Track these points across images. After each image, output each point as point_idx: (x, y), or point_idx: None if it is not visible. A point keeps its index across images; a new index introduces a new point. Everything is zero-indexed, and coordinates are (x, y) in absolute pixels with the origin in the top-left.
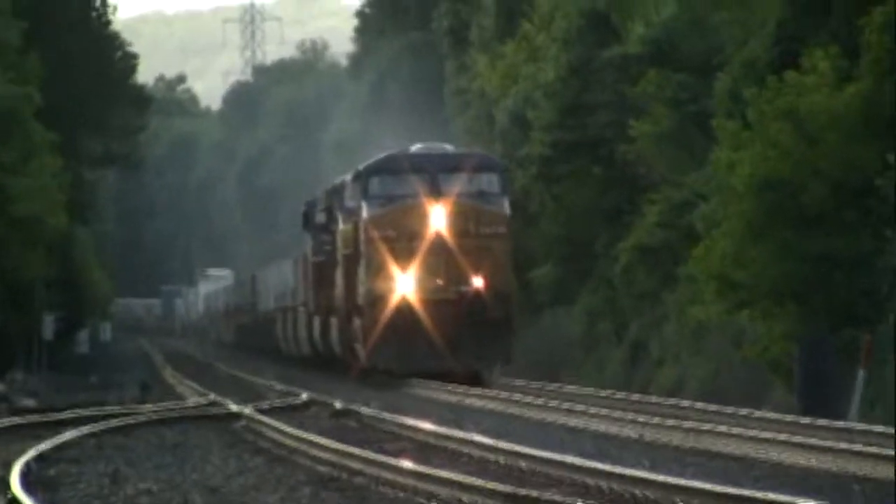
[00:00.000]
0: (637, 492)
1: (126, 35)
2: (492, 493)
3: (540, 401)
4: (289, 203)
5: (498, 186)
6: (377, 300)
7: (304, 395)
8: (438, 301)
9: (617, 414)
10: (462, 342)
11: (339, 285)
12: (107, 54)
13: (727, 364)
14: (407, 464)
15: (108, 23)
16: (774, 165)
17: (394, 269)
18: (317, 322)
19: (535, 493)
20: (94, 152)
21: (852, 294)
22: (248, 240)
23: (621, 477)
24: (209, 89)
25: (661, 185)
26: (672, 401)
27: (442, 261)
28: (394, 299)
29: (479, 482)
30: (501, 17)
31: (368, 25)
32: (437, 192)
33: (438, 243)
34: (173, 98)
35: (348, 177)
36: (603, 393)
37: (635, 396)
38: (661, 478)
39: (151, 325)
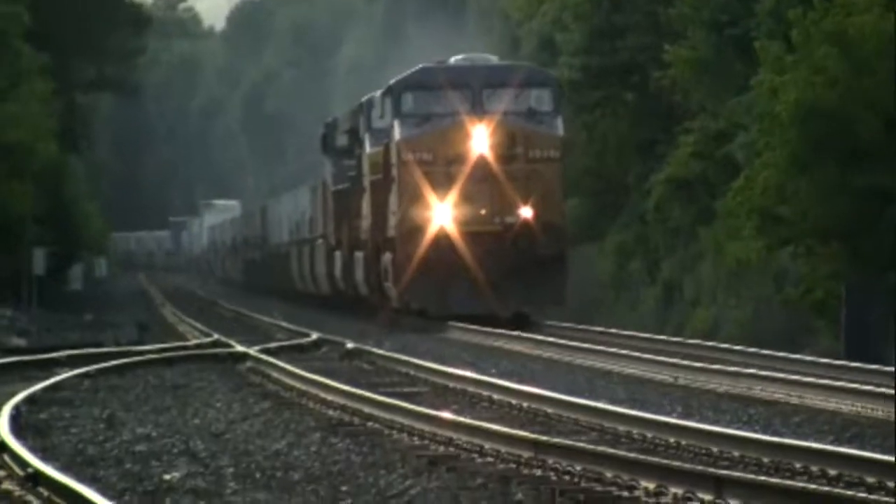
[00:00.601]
0: (671, 439)
1: None
2: (515, 440)
3: (566, 341)
4: (297, 132)
5: (550, 104)
6: (411, 232)
7: (314, 335)
8: (481, 233)
9: (649, 356)
10: (508, 281)
11: (366, 216)
12: None
13: (767, 306)
14: (447, 415)
15: None
16: (821, 93)
17: (431, 196)
18: (338, 257)
19: (561, 440)
20: (88, 76)
21: None
22: (254, 171)
23: (654, 423)
24: (213, 8)
25: (697, 113)
26: (708, 343)
27: (486, 188)
28: (430, 231)
29: (500, 428)
30: None
31: None
32: (480, 110)
33: (481, 168)
34: (174, 18)
35: (377, 94)
36: (637, 334)
37: (667, 338)
38: (695, 424)
39: (161, 260)
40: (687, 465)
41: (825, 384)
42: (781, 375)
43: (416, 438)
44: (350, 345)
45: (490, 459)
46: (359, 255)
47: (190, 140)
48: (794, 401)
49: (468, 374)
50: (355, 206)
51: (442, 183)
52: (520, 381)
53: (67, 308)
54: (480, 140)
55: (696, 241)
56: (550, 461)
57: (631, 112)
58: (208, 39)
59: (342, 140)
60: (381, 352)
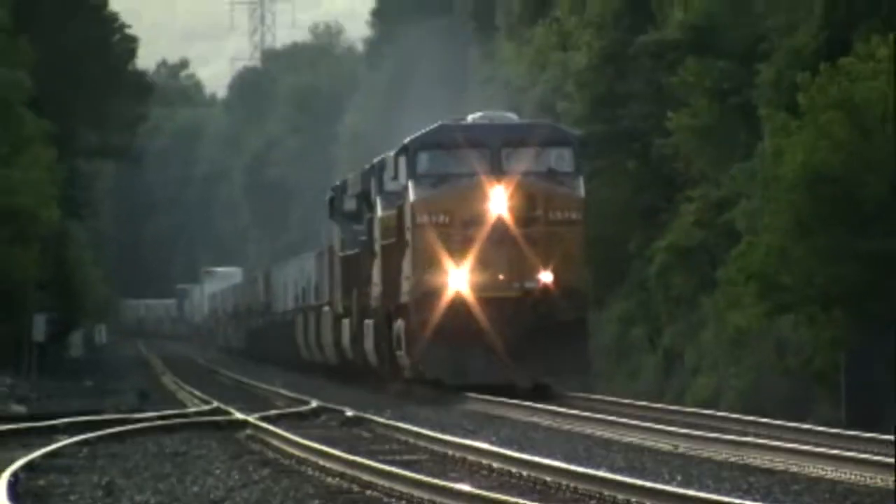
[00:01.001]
0: None
1: (125, 17)
2: None
3: (566, 409)
4: (300, 199)
5: (571, 164)
6: (426, 297)
7: (314, 403)
8: (500, 299)
9: (648, 424)
10: (527, 349)
11: (377, 282)
12: (104, 37)
13: (768, 375)
14: (464, 487)
15: (106, 3)
16: (826, 157)
17: (446, 260)
18: (346, 325)
19: None
20: (91, 144)
21: None
22: (256, 239)
23: (653, 491)
24: (215, 76)
25: (699, 181)
26: (708, 412)
27: (504, 252)
28: (446, 296)
29: (500, 496)
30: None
31: (387, 8)
32: (498, 170)
33: (500, 231)
34: (176, 85)
35: (390, 154)
36: (635, 402)
37: (667, 406)
38: (695, 493)
39: (168, 327)
40: None
41: (825, 453)
42: (781, 444)
43: None
44: (349, 413)
45: None
46: (368, 322)
47: (192, 207)
48: (794, 469)
49: (467, 442)
50: (365, 272)
51: (458, 246)
52: (519, 450)
53: (67, 375)
54: (499, 201)
55: (698, 309)
56: None
57: (633, 179)
58: (210, 107)
59: (350, 204)
60: (380, 420)
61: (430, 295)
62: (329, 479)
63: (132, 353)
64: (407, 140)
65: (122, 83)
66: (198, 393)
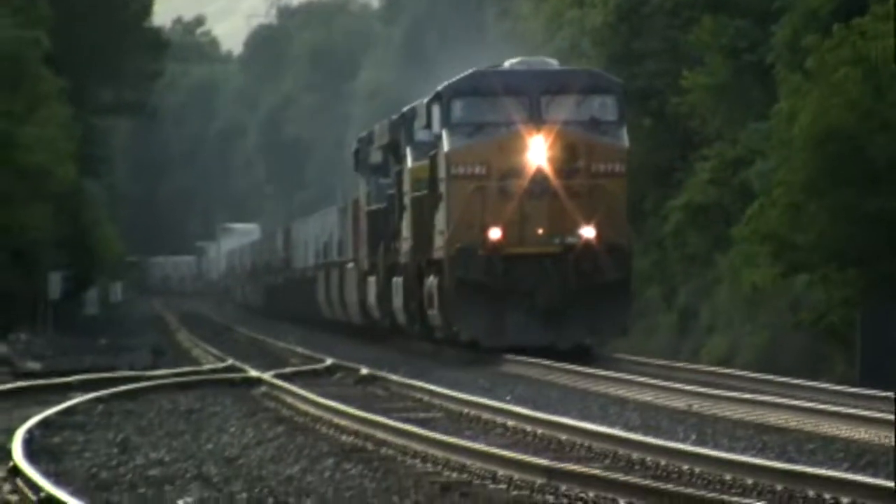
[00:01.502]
0: (685, 466)
1: None
2: (529, 467)
3: (581, 367)
4: (316, 156)
5: (615, 112)
6: (461, 253)
7: (329, 361)
8: (539, 255)
9: (663, 383)
10: (568, 308)
11: (406, 237)
12: None
13: (783, 332)
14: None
15: None
16: (838, 115)
17: (483, 214)
18: (372, 283)
19: (574, 467)
20: (106, 101)
21: None
22: (272, 196)
23: (667, 450)
24: (230, 33)
25: (714, 140)
26: (723, 370)
27: (544, 205)
28: (483, 252)
29: (514, 454)
30: None
31: None
32: (537, 119)
33: (539, 183)
34: (192, 42)
35: (421, 102)
36: (650, 361)
37: (683, 364)
38: (709, 451)
39: (191, 284)
40: (699, 492)
41: (839, 412)
42: (796, 403)
43: (429, 465)
44: (364, 370)
45: (503, 486)
46: (397, 280)
47: (208, 165)
48: (809, 428)
49: (483, 400)
50: (393, 227)
51: (496, 199)
52: (534, 408)
53: (83, 332)
54: (538, 152)
55: (713, 267)
56: (563, 488)
57: (648, 137)
58: (226, 64)
59: (377, 156)
60: (395, 377)
61: (465, 250)
62: (343, 437)
63: (148, 310)
64: (440, 87)
65: (137, 40)
66: (213, 350)
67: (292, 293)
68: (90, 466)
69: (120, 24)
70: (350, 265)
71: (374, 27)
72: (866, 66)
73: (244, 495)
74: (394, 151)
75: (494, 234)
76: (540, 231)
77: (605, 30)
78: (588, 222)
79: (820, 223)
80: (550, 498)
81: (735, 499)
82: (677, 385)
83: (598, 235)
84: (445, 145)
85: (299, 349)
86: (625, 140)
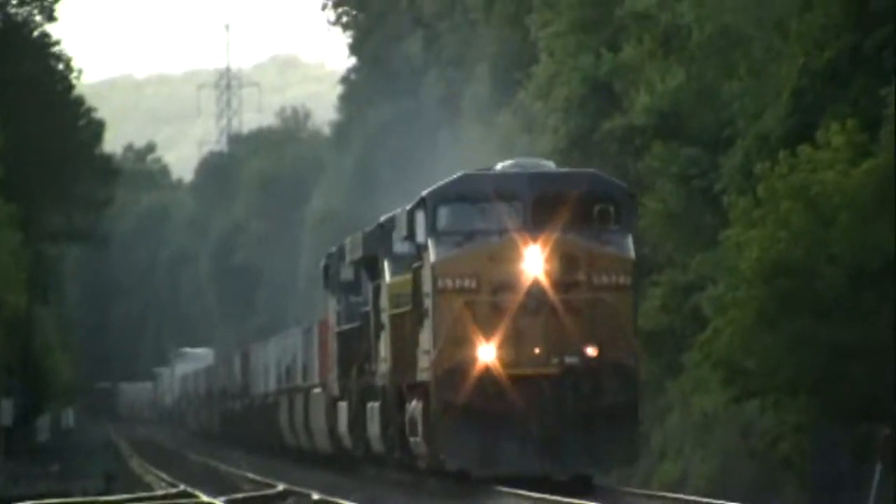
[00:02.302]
0: None
1: (92, 101)
2: None
3: (531, 493)
4: (267, 282)
5: (618, 219)
6: (449, 375)
7: (280, 486)
8: (536, 377)
9: None
10: (568, 435)
11: (385, 358)
12: (71, 121)
13: (734, 459)
14: None
15: (72, 87)
16: (786, 248)
17: (474, 332)
18: (343, 408)
19: None
20: (57, 227)
21: (870, 386)
22: (223, 321)
23: None
24: (181, 160)
25: (665, 266)
26: (674, 496)
27: (541, 321)
28: (473, 374)
29: None
30: (496, 84)
31: (354, 93)
32: (533, 227)
33: (536, 297)
34: (143, 169)
35: (402, 210)
36: (602, 485)
37: (634, 490)
38: None
39: (146, 412)
40: None
41: None
42: None
43: None
44: (316, 496)
45: None
46: (373, 405)
47: (159, 290)
48: None
49: None
50: (367, 348)
51: (487, 315)
52: None
53: (35, 459)
54: (534, 263)
55: (664, 393)
56: None
57: None
58: (177, 190)
59: (348, 272)
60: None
61: (453, 372)
62: None
63: (101, 436)
64: (424, 192)
65: (88, 166)
66: (165, 476)
67: (251, 420)
68: None
69: (71, 151)
70: (317, 390)
71: (325, 154)
72: (810, 198)
73: None
74: (368, 266)
75: (486, 354)
76: (536, 350)
77: (555, 156)
78: (590, 340)
79: (771, 351)
80: None
81: None
82: None
83: (601, 354)
84: (431, 256)
85: (251, 475)
86: (630, 250)
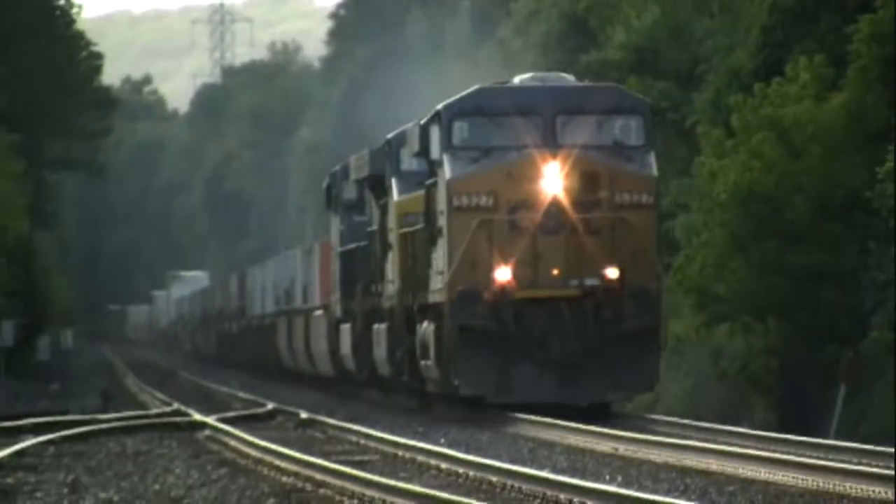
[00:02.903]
0: None
1: (91, 35)
2: None
3: (511, 413)
4: (257, 209)
5: (641, 135)
6: (464, 297)
7: (270, 405)
8: (555, 299)
9: (591, 427)
10: (588, 360)
11: (392, 278)
12: (71, 54)
13: (705, 381)
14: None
15: (73, 22)
16: (758, 177)
17: (490, 252)
18: (346, 331)
19: None
20: (57, 156)
21: (836, 311)
22: (215, 247)
23: (594, 491)
24: (176, 92)
25: None
26: (648, 416)
27: (560, 242)
28: (489, 296)
29: (447, 496)
30: (477, 21)
31: (342, 29)
32: (552, 143)
33: (555, 216)
34: (139, 101)
35: (414, 125)
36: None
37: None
38: (633, 493)
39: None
40: None
41: (759, 455)
42: (717, 447)
43: None
44: (304, 415)
45: None
46: (380, 327)
47: (153, 218)
48: (730, 471)
49: (417, 443)
50: (374, 268)
51: (504, 235)
52: (466, 451)
53: (35, 377)
54: (553, 180)
55: None
56: None
57: None
58: (172, 121)
59: (352, 191)
60: (333, 421)
61: (468, 294)
62: (284, 479)
63: (98, 356)
64: (440, 106)
65: (87, 98)
66: (159, 395)
67: (249, 341)
68: None
69: (71, 83)
70: (318, 312)
71: (314, 87)
72: (781, 129)
73: None
74: (375, 185)
75: (503, 275)
76: (555, 272)
77: None
78: (611, 262)
79: (742, 276)
80: None
81: None
82: (604, 430)
83: (623, 276)
84: (447, 172)
85: (241, 394)
86: (653, 167)
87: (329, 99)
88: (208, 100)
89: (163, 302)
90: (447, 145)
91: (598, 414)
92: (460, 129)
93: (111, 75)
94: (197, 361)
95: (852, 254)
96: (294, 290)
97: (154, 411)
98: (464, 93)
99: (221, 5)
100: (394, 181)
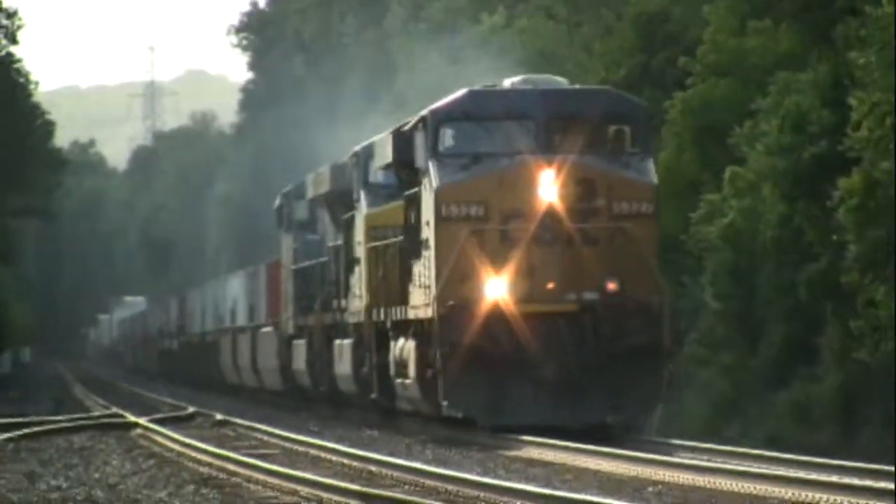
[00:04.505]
0: (472, 492)
1: (45, 106)
2: (346, 491)
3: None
4: (181, 250)
5: (640, 142)
6: (455, 312)
7: (191, 408)
8: (550, 314)
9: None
10: (587, 379)
11: (359, 294)
12: (28, 122)
13: None
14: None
15: (30, 95)
16: None
17: (482, 264)
18: (301, 346)
19: (382, 492)
20: (17, 206)
21: None
22: (148, 280)
23: (456, 479)
24: (116, 153)
25: None
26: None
27: (556, 253)
28: (482, 311)
29: (334, 482)
30: (365, 94)
31: (251, 101)
32: (546, 149)
33: (550, 227)
34: (85, 160)
35: (385, 137)
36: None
37: None
38: (491, 480)
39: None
40: None
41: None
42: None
43: (269, 490)
44: (219, 416)
45: None
46: (342, 343)
47: (98, 256)
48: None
49: (312, 440)
50: (335, 284)
51: (497, 246)
52: (352, 446)
53: None
54: (548, 188)
55: None
56: None
57: None
58: (112, 177)
59: (305, 211)
60: (243, 422)
61: (459, 309)
62: (201, 468)
63: (52, 371)
64: (425, 111)
65: (42, 158)
66: (101, 401)
67: (188, 357)
68: (3, 492)
69: (29, 146)
70: (266, 329)
71: (227, 149)
72: None
73: None
74: (337, 200)
75: (496, 289)
76: (551, 285)
77: None
78: (610, 274)
79: None
80: None
81: None
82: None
83: (623, 290)
84: (434, 180)
85: (168, 400)
86: (652, 175)
87: (240, 159)
88: (142, 159)
89: (106, 324)
90: (434, 152)
91: (598, 436)
92: (448, 135)
93: (62, 139)
94: (136, 375)
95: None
96: (237, 310)
97: (96, 413)
98: (451, 96)
99: (153, 82)
100: (362, 194)
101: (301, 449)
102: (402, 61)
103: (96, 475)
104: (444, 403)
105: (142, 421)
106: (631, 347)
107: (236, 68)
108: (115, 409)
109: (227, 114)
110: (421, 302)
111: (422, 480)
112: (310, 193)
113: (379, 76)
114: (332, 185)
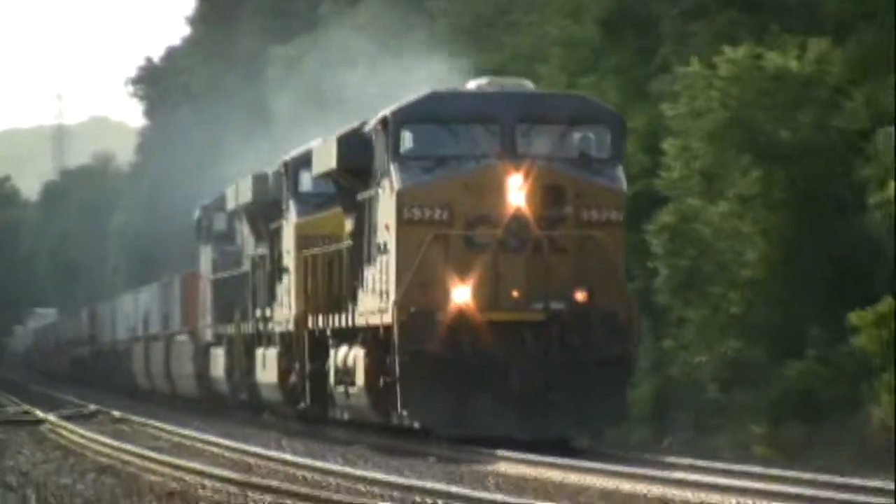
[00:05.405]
0: (331, 480)
1: None
2: (226, 480)
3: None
4: (85, 273)
5: (609, 148)
6: (416, 320)
7: (93, 407)
8: (516, 323)
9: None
10: (552, 391)
11: (287, 303)
12: None
13: None
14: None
15: None
16: None
17: (445, 270)
18: (219, 354)
19: (258, 480)
20: None
21: None
22: (57, 298)
23: (323, 470)
24: (28, 187)
25: None
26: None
27: (522, 261)
28: (445, 319)
29: (216, 471)
30: (245, 140)
31: (146, 144)
32: (512, 153)
33: (517, 232)
34: (2, 193)
35: (320, 146)
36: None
37: None
38: (351, 470)
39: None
40: (347, 499)
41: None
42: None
43: (159, 477)
44: (117, 414)
45: (209, 493)
46: (267, 352)
47: (13, 277)
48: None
49: (198, 434)
50: (257, 294)
51: (461, 252)
52: (228, 438)
53: None
54: (516, 194)
55: None
56: (250, 493)
57: None
58: (25, 208)
59: (224, 222)
60: (138, 419)
61: (420, 316)
62: (101, 458)
63: None
64: (386, 111)
65: None
66: (14, 399)
67: (99, 363)
68: None
69: None
70: (182, 337)
71: (125, 185)
72: None
73: (34, 496)
74: (259, 210)
75: (460, 296)
76: (516, 293)
77: None
78: (578, 283)
79: None
80: (241, 499)
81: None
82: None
83: (591, 299)
84: (395, 183)
85: (75, 399)
86: (622, 181)
87: (136, 194)
88: (51, 193)
89: (21, 332)
90: (395, 154)
91: (561, 449)
92: (410, 137)
93: None
94: (48, 379)
95: None
96: (150, 319)
97: (11, 410)
98: (413, 97)
99: (60, 126)
100: (292, 203)
101: (187, 442)
102: (277, 108)
103: (10, 463)
104: (404, 413)
105: (50, 417)
106: (597, 358)
107: (134, 115)
108: (26, 407)
109: (125, 154)
110: (374, 308)
111: (290, 470)
112: (230, 205)
113: (258, 125)
114: (254, 195)
